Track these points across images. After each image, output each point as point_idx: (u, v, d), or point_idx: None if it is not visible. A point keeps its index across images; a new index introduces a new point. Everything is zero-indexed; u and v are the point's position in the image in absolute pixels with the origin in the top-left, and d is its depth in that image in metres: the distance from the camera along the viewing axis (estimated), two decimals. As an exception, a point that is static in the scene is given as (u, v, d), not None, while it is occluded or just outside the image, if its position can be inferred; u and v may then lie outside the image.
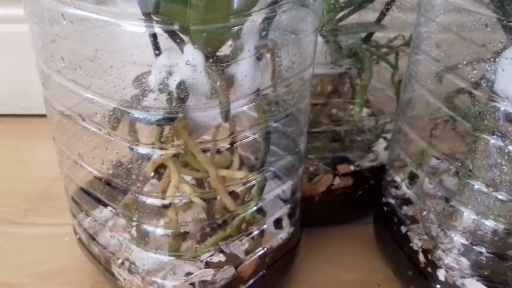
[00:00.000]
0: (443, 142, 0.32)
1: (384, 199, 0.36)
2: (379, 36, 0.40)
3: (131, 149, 0.27)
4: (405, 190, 0.34)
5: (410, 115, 0.33)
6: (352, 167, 0.39)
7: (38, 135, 0.56)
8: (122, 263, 0.30)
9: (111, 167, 0.29)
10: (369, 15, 0.39)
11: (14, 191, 0.47)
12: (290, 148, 0.33)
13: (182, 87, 0.26)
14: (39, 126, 0.59)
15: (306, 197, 0.39)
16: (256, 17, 0.27)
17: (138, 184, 0.27)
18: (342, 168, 0.39)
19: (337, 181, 0.39)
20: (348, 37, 0.36)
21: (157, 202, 0.27)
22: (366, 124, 0.42)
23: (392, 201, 0.35)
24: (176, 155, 0.29)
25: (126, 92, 0.27)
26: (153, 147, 0.27)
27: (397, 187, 0.36)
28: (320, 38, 0.37)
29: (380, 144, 0.41)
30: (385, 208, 0.36)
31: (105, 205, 0.31)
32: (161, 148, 0.27)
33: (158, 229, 0.28)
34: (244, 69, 0.27)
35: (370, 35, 0.37)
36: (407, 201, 0.34)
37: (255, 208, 0.30)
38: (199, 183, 0.31)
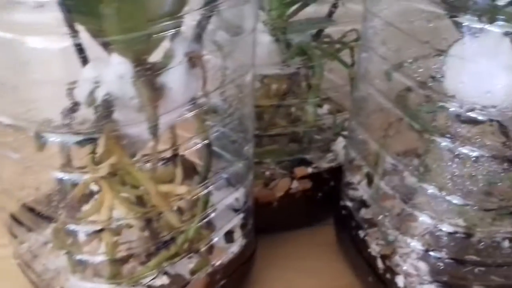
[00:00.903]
0: (397, 142, 0.30)
1: (342, 202, 0.35)
2: (334, 30, 0.38)
3: (55, 174, 0.25)
4: (361, 193, 0.33)
5: (362, 115, 0.31)
6: (310, 169, 0.37)
7: None
8: (60, 291, 0.28)
9: (34, 193, 0.27)
10: (325, 7, 0.37)
11: None
12: (237, 154, 0.32)
13: (107, 100, 0.24)
14: None
15: (263, 203, 0.37)
16: (187, 21, 0.25)
17: (66, 211, 0.25)
18: (299, 171, 0.37)
19: (295, 184, 0.37)
20: (297, 35, 0.34)
21: (87, 228, 0.25)
22: (326, 122, 0.41)
23: (349, 204, 0.34)
24: (111, 175, 0.27)
25: (40, 113, 0.25)
26: (79, 171, 0.25)
27: (354, 189, 0.34)
28: (269, 37, 0.36)
29: (340, 143, 0.39)
30: (343, 212, 0.34)
31: (40, 231, 0.29)
32: (89, 171, 0.25)
33: (92, 256, 0.26)
34: (175, 78, 0.25)
35: (320, 31, 0.35)
36: (364, 204, 0.33)
37: (200, 223, 0.28)
38: (140, 201, 0.29)
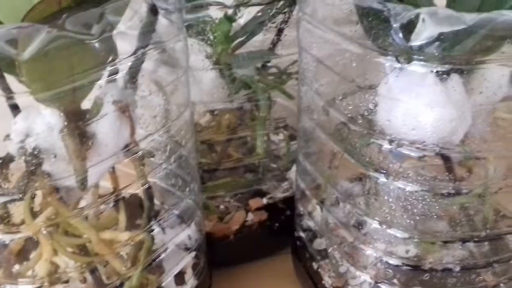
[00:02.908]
0: (342, 174, 0.31)
1: (296, 233, 0.34)
2: (283, 60, 0.38)
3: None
4: (313, 223, 0.33)
5: (307, 147, 0.31)
6: (265, 200, 0.37)
7: None
8: None
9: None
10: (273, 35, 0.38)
11: None
12: (185, 190, 0.31)
13: (35, 152, 0.24)
14: None
15: (219, 238, 0.37)
16: (118, 68, 0.25)
17: (2, 270, 0.24)
18: (254, 203, 0.37)
19: (251, 216, 0.37)
20: (241, 69, 0.34)
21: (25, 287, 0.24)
22: (282, 150, 0.41)
23: (303, 234, 0.34)
24: (49, 227, 0.26)
25: None
26: (14, 229, 0.24)
27: (307, 220, 0.34)
28: (215, 72, 0.36)
29: (294, 172, 0.39)
30: (298, 242, 0.34)
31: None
32: (26, 226, 0.25)
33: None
34: (105, 127, 0.25)
35: (266, 61, 0.36)
36: (316, 235, 0.33)
37: (145, 268, 0.28)
38: (84, 250, 0.28)
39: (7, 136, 0.25)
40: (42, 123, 0.24)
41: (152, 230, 0.28)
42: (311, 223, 0.33)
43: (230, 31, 0.34)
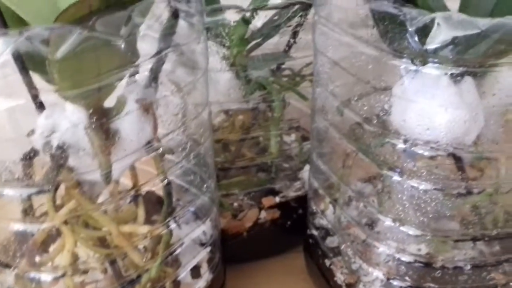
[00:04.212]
0: (356, 173, 0.31)
1: (308, 231, 0.35)
2: (297, 62, 0.39)
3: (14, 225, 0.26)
4: (326, 221, 0.33)
5: (321, 147, 0.32)
6: (277, 199, 0.38)
7: None
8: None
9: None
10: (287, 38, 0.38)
11: None
12: (201, 188, 0.32)
13: (62, 148, 0.25)
14: None
15: (233, 235, 0.37)
16: (140, 68, 0.26)
17: (26, 258, 0.25)
18: (267, 201, 0.38)
19: (263, 214, 0.38)
20: (256, 70, 0.35)
21: (48, 275, 0.25)
22: (294, 150, 0.42)
23: (315, 232, 0.34)
24: (71, 219, 0.27)
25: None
26: (38, 219, 0.25)
27: (319, 218, 0.35)
28: (230, 73, 0.36)
29: (306, 171, 0.40)
30: (310, 240, 0.35)
31: None
32: (49, 217, 0.26)
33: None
34: (129, 124, 0.26)
35: (281, 64, 0.36)
36: (329, 233, 0.34)
37: (163, 261, 0.29)
38: (103, 242, 0.29)
39: (32, 132, 0.26)
40: (68, 120, 0.25)
41: (170, 224, 0.29)
42: (324, 221, 0.34)
43: (246, 34, 0.35)
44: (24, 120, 0.26)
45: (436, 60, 0.22)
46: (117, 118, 0.26)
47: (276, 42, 0.38)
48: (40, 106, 0.25)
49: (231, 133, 0.37)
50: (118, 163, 0.25)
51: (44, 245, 0.26)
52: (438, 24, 0.21)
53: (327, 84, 0.28)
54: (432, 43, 0.22)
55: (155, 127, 0.26)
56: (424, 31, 0.22)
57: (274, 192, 0.38)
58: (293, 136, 0.43)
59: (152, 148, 0.27)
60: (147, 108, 0.25)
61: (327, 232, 0.33)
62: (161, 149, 0.27)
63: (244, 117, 0.37)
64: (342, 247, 0.31)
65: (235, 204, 0.37)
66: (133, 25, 0.23)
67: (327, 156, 0.32)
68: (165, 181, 0.28)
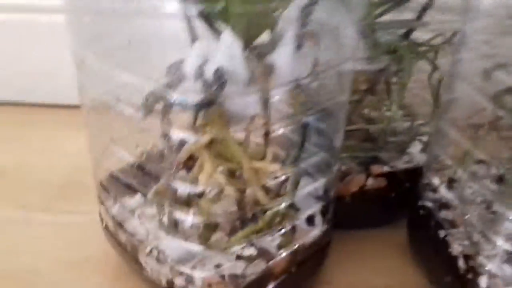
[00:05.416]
0: (488, 143, 0.31)
1: (420, 203, 0.35)
2: (416, 35, 0.38)
3: (165, 135, 0.27)
4: (444, 193, 0.33)
5: (453, 115, 0.32)
6: (386, 168, 0.37)
7: (64, 126, 0.58)
8: (150, 252, 0.29)
9: (144, 153, 0.28)
10: (403, 16, 0.38)
11: (38, 179, 0.48)
12: (325, 144, 0.32)
13: (219, 74, 0.26)
14: (65, 117, 0.60)
15: (336, 197, 0.38)
16: (299, 2, 0.27)
17: (171, 171, 0.26)
18: (375, 169, 0.37)
19: (370, 181, 0.37)
20: (386, 33, 0.34)
21: (189, 189, 0.26)
22: (399, 125, 0.41)
23: (429, 204, 0.34)
24: (209, 144, 0.28)
25: (162, 76, 0.27)
26: (187, 134, 0.27)
27: (434, 190, 0.34)
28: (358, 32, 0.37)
29: (415, 146, 0.40)
30: (421, 212, 0.34)
31: (135, 192, 0.31)
32: (195, 135, 0.27)
33: (189, 218, 0.27)
34: (283, 58, 0.26)
35: (409, 32, 0.36)
36: (445, 205, 0.33)
37: (288, 202, 0.29)
38: (231, 175, 0.30)
39: (183, 61, 0.27)
40: (224, 47, 0.26)
41: (300, 167, 0.29)
42: (440, 193, 0.33)
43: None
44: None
45: None
46: (273, 50, 0.26)
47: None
48: (195, 34, 0.27)
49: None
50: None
51: (190, 161, 0.27)
52: None
53: (477, 47, 0.28)
54: None
55: (314, 62, 0.26)
56: None
57: (383, 162, 0.38)
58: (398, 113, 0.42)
59: (298, 86, 0.27)
60: (309, 40, 0.26)
61: (443, 204, 0.33)
62: (307, 88, 0.28)
63: (361, 79, 0.37)
64: (465, 217, 0.30)
65: (342, 168, 0.37)
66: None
67: (458, 125, 0.31)
68: (304, 120, 0.29)
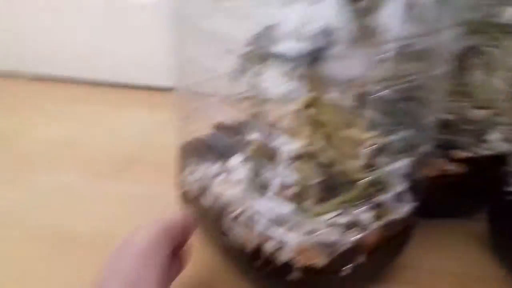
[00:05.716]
0: None
1: (504, 189, 0.33)
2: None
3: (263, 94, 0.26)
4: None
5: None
6: (467, 154, 0.36)
7: (128, 104, 0.60)
8: (237, 216, 0.28)
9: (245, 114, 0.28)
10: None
11: (106, 152, 0.49)
12: (417, 121, 0.31)
13: (327, 32, 0.25)
14: (129, 96, 0.62)
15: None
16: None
17: (270, 131, 0.26)
18: (456, 153, 0.36)
19: (451, 167, 0.36)
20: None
21: (288, 148, 0.26)
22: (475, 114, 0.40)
23: (514, 191, 0.32)
24: (308, 106, 0.27)
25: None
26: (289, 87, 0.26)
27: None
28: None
29: (494, 135, 0.38)
30: (505, 198, 0.33)
31: (221, 156, 0.30)
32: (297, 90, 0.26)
33: (285, 179, 0.26)
34: (392, 15, 0.26)
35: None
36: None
37: (381, 173, 0.28)
38: (327, 140, 0.29)
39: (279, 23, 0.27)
40: (330, 4, 0.26)
41: (400, 136, 0.28)
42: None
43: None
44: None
45: None
46: (382, 7, 0.26)
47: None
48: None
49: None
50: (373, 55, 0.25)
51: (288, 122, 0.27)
52: None
53: None
54: None
55: (419, 26, 0.25)
56: None
57: (463, 147, 0.37)
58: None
59: (404, 47, 0.27)
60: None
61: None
62: (412, 50, 0.27)
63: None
64: None
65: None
66: None
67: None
68: (404, 87, 0.28)
